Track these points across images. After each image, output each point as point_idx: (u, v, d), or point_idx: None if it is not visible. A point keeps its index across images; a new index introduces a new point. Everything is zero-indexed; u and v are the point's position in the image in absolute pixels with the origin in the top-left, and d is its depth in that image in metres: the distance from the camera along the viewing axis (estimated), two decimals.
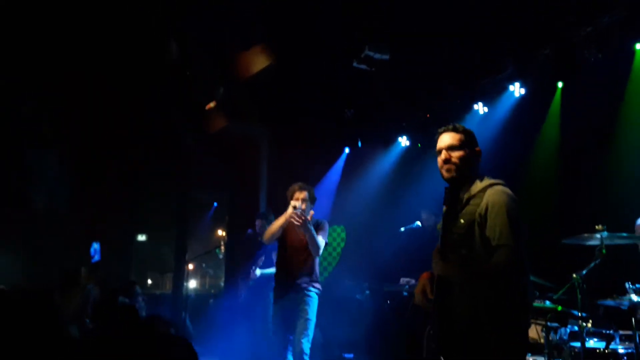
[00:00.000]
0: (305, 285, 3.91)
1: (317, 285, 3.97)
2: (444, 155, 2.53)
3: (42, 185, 7.02)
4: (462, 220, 2.45)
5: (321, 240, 3.94)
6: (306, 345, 3.79)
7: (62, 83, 5.95)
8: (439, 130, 2.62)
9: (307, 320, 3.83)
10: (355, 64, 5.26)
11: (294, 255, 3.99)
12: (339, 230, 6.93)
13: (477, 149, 2.55)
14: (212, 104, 5.92)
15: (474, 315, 2.34)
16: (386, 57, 5.13)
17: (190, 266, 10.16)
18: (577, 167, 4.89)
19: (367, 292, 5.84)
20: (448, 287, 2.42)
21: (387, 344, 5.31)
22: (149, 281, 12.45)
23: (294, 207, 3.89)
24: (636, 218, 3.93)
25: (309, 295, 3.89)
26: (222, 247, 9.76)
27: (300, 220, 3.85)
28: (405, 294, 5.18)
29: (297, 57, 5.52)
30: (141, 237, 10.68)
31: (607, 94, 4.69)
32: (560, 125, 5.13)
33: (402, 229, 5.51)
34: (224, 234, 10.65)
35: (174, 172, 7.41)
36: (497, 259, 2.32)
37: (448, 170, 2.51)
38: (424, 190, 6.06)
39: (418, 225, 5.48)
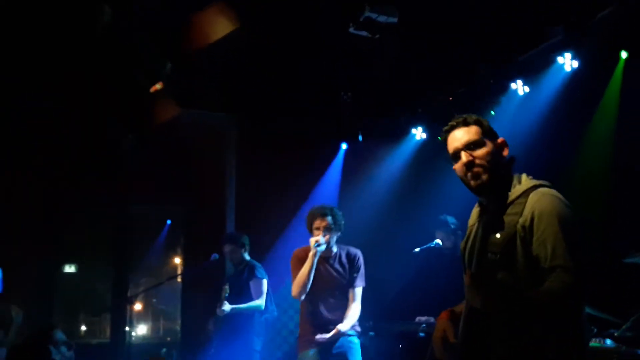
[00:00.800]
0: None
1: None
2: (464, 157, 2.52)
3: None
4: (498, 235, 2.47)
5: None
6: None
7: None
8: (445, 128, 2.64)
9: None
10: (352, 30, 5.32)
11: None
12: None
13: (499, 140, 2.58)
14: (157, 86, 5.92)
15: (516, 357, 2.37)
16: (393, 19, 5.20)
17: (138, 306, 10.12)
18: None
19: (372, 333, 5.88)
20: (482, 324, 2.44)
21: None
22: (83, 327, 12.41)
23: (316, 244, 4.28)
24: None
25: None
26: (179, 279, 9.79)
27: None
28: (422, 334, 5.26)
29: (273, 21, 5.55)
30: (69, 269, 10.68)
31: None
32: (619, 108, 5.22)
33: (417, 249, 5.57)
34: (180, 261, 10.69)
35: (109, 182, 7.40)
36: (551, 285, 2.32)
37: (476, 177, 2.51)
38: (446, 197, 6.12)
39: (438, 244, 5.55)
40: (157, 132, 6.91)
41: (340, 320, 4.34)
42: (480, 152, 2.51)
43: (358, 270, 4.56)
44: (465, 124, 2.59)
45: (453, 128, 2.60)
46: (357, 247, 4.72)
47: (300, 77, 6.59)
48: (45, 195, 7.52)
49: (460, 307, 2.62)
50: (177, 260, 11.41)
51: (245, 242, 5.92)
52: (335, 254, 4.53)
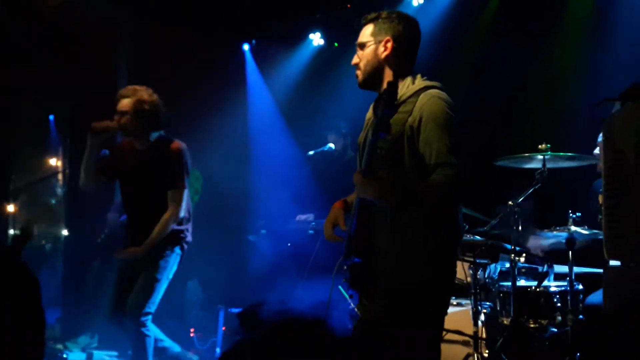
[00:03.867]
0: None
1: None
2: (354, 58, 2.78)
3: None
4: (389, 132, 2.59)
5: None
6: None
7: None
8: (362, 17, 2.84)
9: None
10: None
11: None
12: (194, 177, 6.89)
13: (385, 38, 2.72)
14: None
15: (399, 247, 2.58)
16: None
17: (11, 208, 9.72)
18: (516, 77, 5.35)
19: (263, 231, 6.09)
20: (370, 214, 2.63)
21: (287, 295, 5.67)
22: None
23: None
24: (587, 138, 4.39)
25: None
26: (60, 180, 9.45)
27: None
28: (311, 232, 5.49)
29: None
30: None
31: None
32: (497, 23, 5.60)
33: (311, 152, 5.76)
34: (59, 163, 10.13)
35: None
36: (436, 178, 2.50)
37: (356, 77, 2.77)
38: (341, 104, 6.32)
39: (331, 149, 5.76)
40: (44, 20, 6.48)
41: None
42: (361, 53, 2.75)
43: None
44: (365, 23, 2.79)
45: (362, 23, 2.81)
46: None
47: None
48: None
49: (353, 197, 2.79)
50: (55, 161, 10.83)
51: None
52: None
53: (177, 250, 4.18)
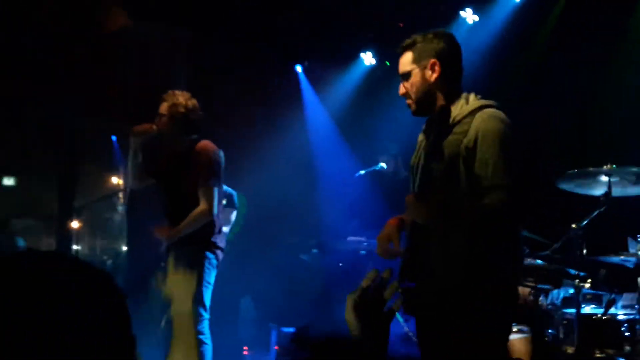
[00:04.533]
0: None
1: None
2: (400, 89, 2.68)
3: None
4: (443, 154, 2.55)
5: None
6: None
7: None
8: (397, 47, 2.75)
9: None
10: None
11: None
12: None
13: (430, 61, 2.60)
14: None
15: (454, 271, 2.49)
16: None
17: (75, 224, 9.91)
18: (578, 94, 5.18)
19: (315, 250, 6.06)
20: (424, 237, 2.55)
21: (339, 315, 5.57)
22: (19, 244, 12.21)
23: None
24: None
25: None
26: (121, 197, 9.60)
27: None
28: (363, 252, 5.40)
29: None
30: (8, 181, 10.42)
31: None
32: (558, 39, 5.40)
33: (362, 172, 5.70)
34: (120, 181, 10.35)
35: (54, 90, 7.10)
36: (488, 201, 2.43)
37: (409, 106, 2.67)
38: (393, 124, 6.20)
39: (382, 168, 5.68)
40: (107, 42, 6.63)
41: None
42: (408, 83, 2.65)
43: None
44: (402, 51, 2.69)
45: (399, 55, 2.72)
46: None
47: None
48: None
49: (407, 218, 2.71)
50: (116, 180, 11.07)
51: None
52: None
53: (211, 257, 4.11)
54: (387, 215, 2.84)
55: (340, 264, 5.83)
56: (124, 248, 9.18)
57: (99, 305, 1.01)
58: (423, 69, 2.61)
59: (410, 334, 4.50)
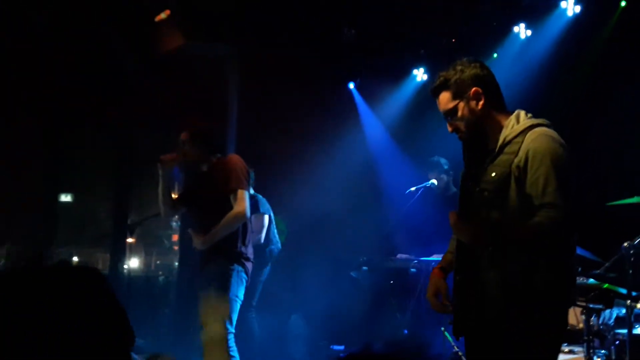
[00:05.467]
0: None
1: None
2: (448, 127, 2.71)
3: None
4: (493, 174, 2.58)
5: None
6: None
7: None
8: (430, 89, 2.79)
9: None
10: None
11: None
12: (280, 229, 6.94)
13: (472, 91, 2.65)
14: (163, 15, 5.91)
15: (506, 292, 2.52)
16: None
17: (131, 239, 10.22)
18: (630, 109, 5.13)
19: (365, 268, 6.08)
20: (474, 260, 2.59)
21: (389, 334, 5.64)
22: (75, 258, 12.55)
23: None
24: None
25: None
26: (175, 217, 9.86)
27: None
28: (413, 270, 5.46)
29: None
30: (65, 197, 10.79)
31: None
32: (612, 54, 5.39)
33: (413, 188, 5.75)
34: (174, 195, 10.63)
35: (111, 106, 7.37)
36: (539, 220, 2.45)
37: (461, 138, 2.71)
38: (444, 140, 6.25)
39: (433, 184, 5.72)
40: (162, 60, 6.88)
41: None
42: (456, 118, 2.66)
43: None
44: (438, 88, 2.70)
45: (433, 95, 2.75)
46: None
47: (302, 10, 6.58)
48: (44, 120, 7.49)
49: (448, 258, 2.81)
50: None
51: (251, 176, 5.81)
52: None
53: (240, 270, 4.26)
54: (438, 234, 2.92)
55: (391, 282, 5.89)
56: (176, 264, 9.47)
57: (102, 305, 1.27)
58: (467, 100, 2.65)
59: (460, 354, 4.57)
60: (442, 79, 2.72)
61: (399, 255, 5.76)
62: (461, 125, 2.67)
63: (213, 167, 4.39)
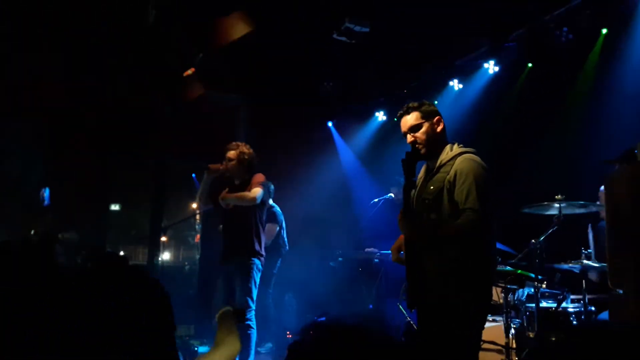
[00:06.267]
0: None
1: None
2: (408, 138, 2.73)
3: (12, 153, 6.96)
4: (431, 187, 2.64)
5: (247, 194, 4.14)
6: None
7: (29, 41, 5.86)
8: (399, 113, 2.82)
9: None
10: (335, 36, 5.41)
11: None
12: None
13: (435, 118, 2.73)
14: (189, 72, 5.94)
15: (441, 274, 2.55)
16: (366, 29, 5.30)
17: (164, 238, 10.16)
18: (537, 141, 5.23)
19: (340, 259, 6.09)
20: (416, 249, 2.62)
21: (358, 308, 5.61)
22: (121, 252, 12.48)
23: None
24: (594, 188, 4.20)
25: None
26: (197, 219, 9.81)
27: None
28: (376, 260, 5.45)
29: (276, 26, 5.59)
30: (115, 207, 10.70)
31: (568, 71, 5.01)
32: (522, 100, 5.46)
33: (376, 200, 5.74)
34: (197, 207, 10.65)
35: (149, 140, 7.37)
36: (461, 221, 2.50)
37: (419, 151, 2.71)
38: (399, 163, 6.29)
39: (391, 197, 5.73)
40: (188, 106, 6.87)
41: None
42: (419, 133, 2.70)
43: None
44: (408, 112, 2.76)
45: (402, 115, 2.78)
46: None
47: (294, 69, 6.60)
48: (100, 149, 7.46)
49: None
50: (195, 205, 11.34)
51: (271, 189, 5.74)
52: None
53: (257, 262, 4.24)
54: (395, 233, 2.95)
55: (360, 269, 5.89)
56: (197, 256, 9.41)
57: (146, 297, 1.19)
58: (431, 122, 2.71)
59: (412, 323, 4.56)
60: (416, 104, 2.77)
61: (366, 249, 5.74)
62: (421, 139, 2.69)
63: (244, 182, 4.33)
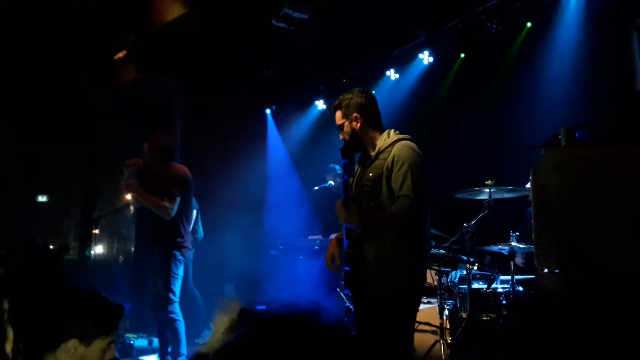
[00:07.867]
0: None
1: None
2: (340, 135, 2.81)
3: None
4: (370, 174, 2.65)
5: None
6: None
7: None
8: (332, 107, 2.90)
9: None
10: (274, 22, 5.31)
11: None
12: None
13: (354, 115, 2.75)
14: (121, 54, 5.64)
15: (378, 259, 2.58)
16: (305, 16, 5.24)
17: (96, 231, 9.68)
18: (468, 128, 5.41)
19: (281, 247, 6.06)
20: (355, 236, 2.62)
21: (300, 296, 5.60)
22: (51, 247, 11.80)
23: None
24: (522, 173, 4.36)
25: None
26: (132, 210, 9.44)
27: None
28: (317, 247, 5.45)
29: (214, 9, 5.42)
30: (42, 198, 10.09)
31: (496, 61, 5.19)
32: (454, 89, 5.62)
33: (316, 188, 5.72)
34: (130, 197, 10.22)
35: (80, 127, 6.99)
36: (395, 207, 2.53)
37: (351, 145, 2.75)
38: (337, 150, 6.30)
39: (331, 184, 5.73)
40: (121, 91, 6.58)
41: None
42: (343, 131, 2.77)
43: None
44: (335, 109, 2.83)
45: (334, 111, 2.84)
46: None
47: (232, 55, 6.44)
48: (26, 137, 7.03)
49: (341, 234, 2.80)
50: (129, 196, 10.89)
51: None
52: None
53: (177, 254, 4.19)
54: (335, 221, 2.94)
55: (300, 257, 5.87)
56: (132, 249, 9.05)
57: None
58: (350, 121, 2.74)
59: (350, 308, 4.60)
60: (338, 101, 2.82)
61: (309, 237, 5.72)
62: (347, 138, 2.76)
63: (161, 173, 4.25)
